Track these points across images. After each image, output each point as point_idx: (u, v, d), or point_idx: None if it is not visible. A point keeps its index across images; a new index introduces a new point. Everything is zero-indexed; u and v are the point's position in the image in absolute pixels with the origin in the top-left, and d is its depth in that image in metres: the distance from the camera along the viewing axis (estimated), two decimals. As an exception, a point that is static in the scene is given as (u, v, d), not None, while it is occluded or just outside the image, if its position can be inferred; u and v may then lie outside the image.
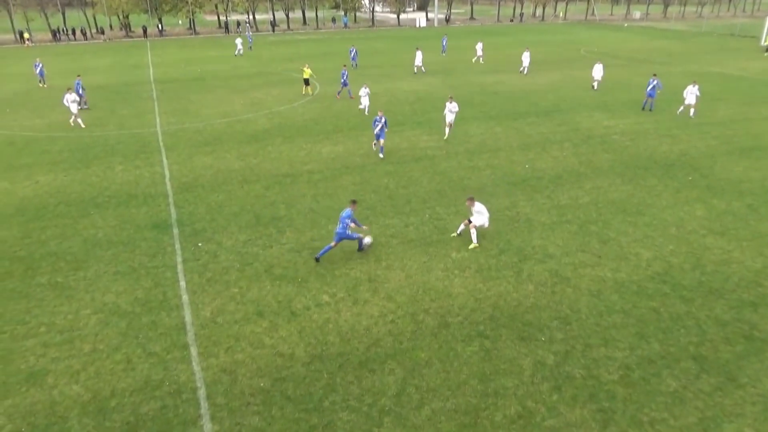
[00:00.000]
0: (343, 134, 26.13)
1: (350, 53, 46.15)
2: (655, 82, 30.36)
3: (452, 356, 10.92)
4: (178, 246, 15.37)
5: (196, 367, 10.63)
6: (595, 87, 36.44)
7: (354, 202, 14.87)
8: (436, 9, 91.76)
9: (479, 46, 48.63)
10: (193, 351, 11.07)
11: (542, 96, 34.34)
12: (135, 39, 72.94)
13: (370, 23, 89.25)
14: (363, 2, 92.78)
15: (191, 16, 77.03)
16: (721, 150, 23.67)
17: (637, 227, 16.43)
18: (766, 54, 53.36)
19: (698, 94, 28.45)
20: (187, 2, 73.89)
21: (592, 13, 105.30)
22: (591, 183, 19.93)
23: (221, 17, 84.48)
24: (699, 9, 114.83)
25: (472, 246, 15.14)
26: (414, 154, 23.17)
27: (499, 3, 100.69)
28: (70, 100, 27.37)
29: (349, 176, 20.66)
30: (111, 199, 18.71)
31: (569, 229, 16.29)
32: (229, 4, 79.10)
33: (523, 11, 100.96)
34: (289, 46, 60.17)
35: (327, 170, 21.34)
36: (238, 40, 56.04)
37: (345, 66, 35.05)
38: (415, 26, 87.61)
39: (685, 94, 28.85)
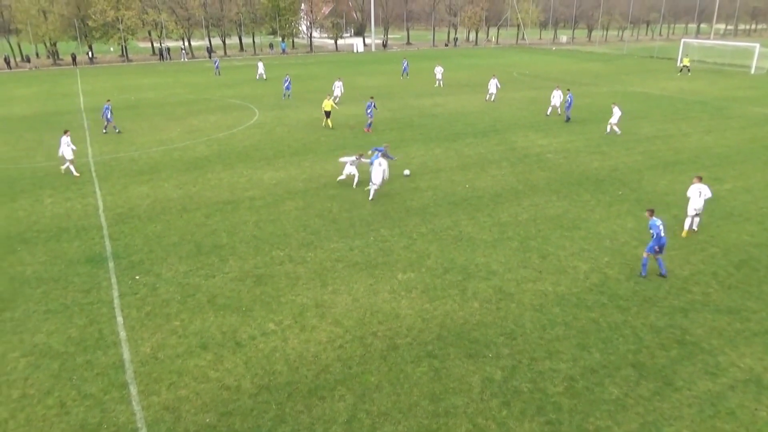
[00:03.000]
0: (285, 160, 25.97)
1: (284, 83, 43.10)
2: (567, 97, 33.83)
3: (402, 378, 10.91)
4: (114, 280, 14.74)
5: (136, 406, 10.15)
6: (560, 112, 35.29)
7: (651, 211, 14.85)
8: (372, 35, 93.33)
9: (438, 70, 48.87)
10: (133, 390, 10.58)
11: (479, 117, 35.35)
12: (64, 67, 70.35)
13: (309, 49, 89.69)
14: (300, 28, 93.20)
15: (123, 43, 75.13)
16: (646, 165, 25.01)
17: (573, 241, 17.05)
18: (679, 74, 57.10)
19: (620, 113, 30.48)
20: (118, 29, 72.05)
21: (522, 38, 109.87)
22: (529, 200, 20.57)
23: (155, 44, 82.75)
24: (620, 33, 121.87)
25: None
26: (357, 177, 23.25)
27: (434, 28, 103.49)
28: (65, 143, 23.62)
29: (291, 201, 20.50)
30: (40, 234, 17.78)
31: (510, 246, 16.72)
32: (163, 30, 77.72)
33: (457, 36, 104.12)
34: (225, 73, 59.56)
35: (269, 196, 21.11)
36: (260, 64, 54.92)
37: (372, 97, 33.12)
38: (353, 51, 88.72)
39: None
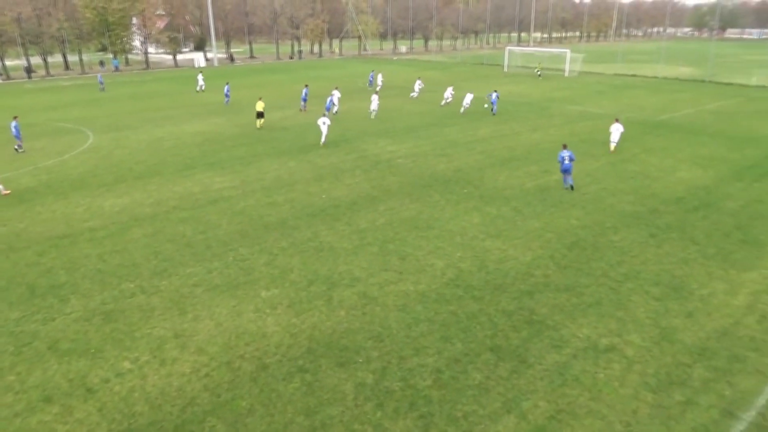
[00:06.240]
0: (127, 184, 24.17)
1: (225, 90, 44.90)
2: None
3: (275, 398, 10.68)
4: (-74, 339, 12.66)
5: (-33, 481, 8.81)
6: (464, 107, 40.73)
7: (565, 145, 22.70)
8: (214, 49, 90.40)
9: (417, 84, 50.42)
10: (-38, 462, 9.18)
11: (328, 128, 35.72)
12: None
13: (145, 65, 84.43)
14: (134, 44, 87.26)
15: None
16: (486, 163, 27.09)
17: (429, 240, 17.92)
18: (539, 76, 63.88)
19: (453, 93, 44.24)
20: None
21: (365, 49, 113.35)
22: (384, 205, 21.25)
23: (-42, 64, 72.57)
24: (453, 42, 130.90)
25: None
26: (209, 196, 22.38)
27: (277, 41, 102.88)
28: None
29: (139, 228, 19.14)
30: None
31: (371, 251, 17.14)
32: (-33, 49, 68.44)
33: (301, 48, 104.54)
34: (50, 94, 54.08)
35: (112, 225, 19.51)
36: (200, 76, 54.74)
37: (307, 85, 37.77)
38: (194, 66, 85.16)
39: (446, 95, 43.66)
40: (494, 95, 40.61)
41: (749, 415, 10.21)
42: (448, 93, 44.89)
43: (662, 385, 11.00)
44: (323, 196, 22.31)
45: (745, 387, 10.94)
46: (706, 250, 17.11)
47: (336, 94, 41.17)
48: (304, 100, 42.49)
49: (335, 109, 40.11)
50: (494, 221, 19.49)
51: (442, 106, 44.39)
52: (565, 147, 22.44)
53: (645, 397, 10.65)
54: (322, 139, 30.77)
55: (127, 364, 11.70)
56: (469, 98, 40.85)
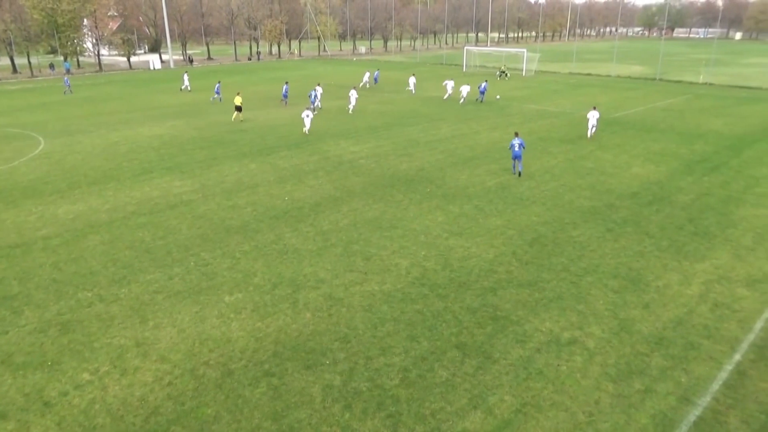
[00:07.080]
0: (82, 190, 23.45)
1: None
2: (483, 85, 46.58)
3: (241, 403, 10.54)
4: None
5: None
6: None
7: (517, 133, 24.97)
8: (169, 50, 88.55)
9: (412, 80, 53.22)
10: None
11: (289, 129, 35.51)
12: None
13: (97, 68, 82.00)
14: (86, 45, 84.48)
15: None
16: (447, 162, 27.35)
17: (393, 240, 17.98)
18: (499, 79, 64.07)
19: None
20: None
21: (324, 50, 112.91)
22: (347, 206, 21.22)
23: None
24: (412, 42, 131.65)
25: None
26: (168, 201, 21.92)
27: (234, 42, 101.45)
28: None
29: (95, 235, 18.60)
30: None
31: (335, 252, 17.09)
32: None
33: (259, 50, 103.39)
34: (16, 96, 52.02)
35: (67, 233, 18.89)
36: (185, 76, 55.31)
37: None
38: (149, 68, 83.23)
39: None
40: (483, 85, 46.46)
41: (704, 400, 10.61)
42: (450, 86, 48.29)
43: (622, 374, 11.33)
44: (286, 198, 22.13)
45: (700, 373, 11.37)
46: (660, 243, 17.71)
47: (319, 90, 43.27)
48: (285, 95, 44.86)
49: (317, 103, 42.69)
50: (457, 219, 19.70)
51: (444, 99, 47.88)
52: (516, 135, 24.60)
53: (606, 387, 10.95)
54: (306, 129, 33.52)
55: (86, 376, 11.35)
56: (465, 90, 45.44)
